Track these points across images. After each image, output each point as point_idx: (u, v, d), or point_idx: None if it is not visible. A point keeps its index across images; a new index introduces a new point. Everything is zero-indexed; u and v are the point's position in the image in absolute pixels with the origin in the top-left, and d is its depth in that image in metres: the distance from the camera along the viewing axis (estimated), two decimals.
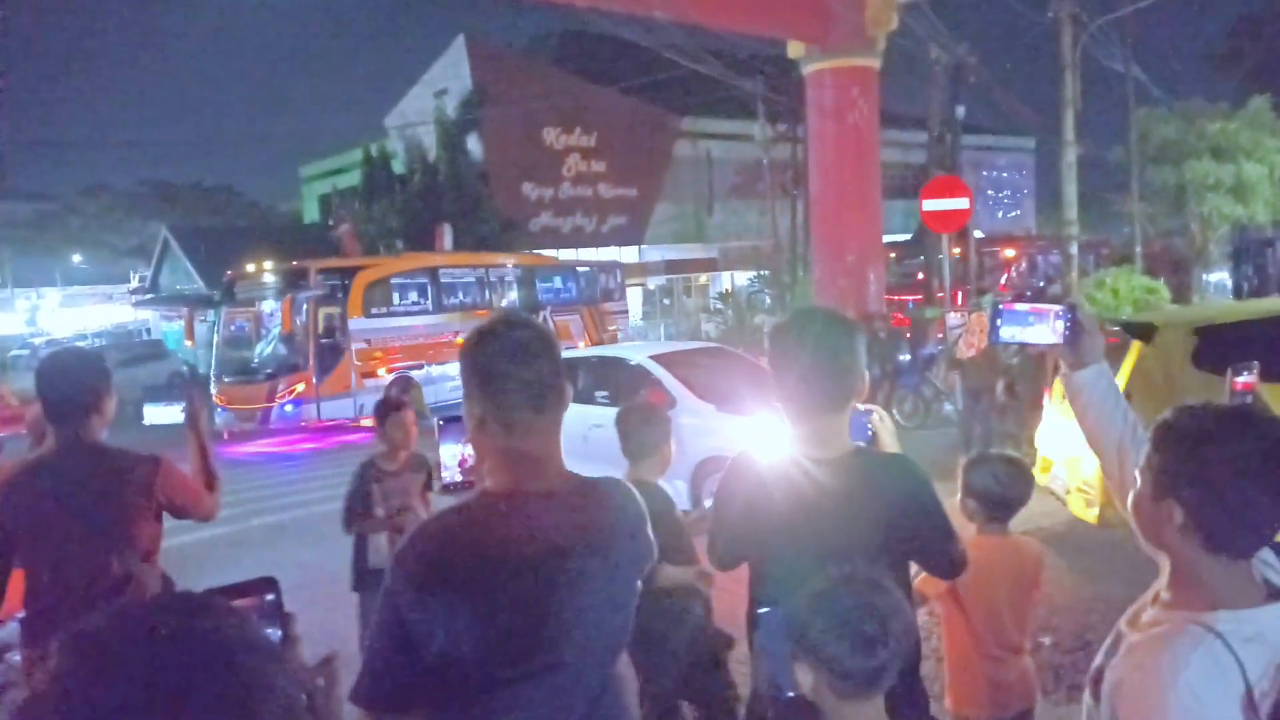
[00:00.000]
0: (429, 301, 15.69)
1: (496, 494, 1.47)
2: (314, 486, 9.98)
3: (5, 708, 4.29)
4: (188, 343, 17.18)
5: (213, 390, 14.17)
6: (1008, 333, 1.68)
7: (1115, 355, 6.33)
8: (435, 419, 1.81)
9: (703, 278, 32.23)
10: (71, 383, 2.50)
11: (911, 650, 1.53)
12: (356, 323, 14.06)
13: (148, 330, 34.20)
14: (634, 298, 31.02)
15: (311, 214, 33.66)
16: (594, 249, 27.22)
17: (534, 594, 1.40)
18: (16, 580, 2.61)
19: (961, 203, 10.72)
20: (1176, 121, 20.18)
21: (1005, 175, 37.96)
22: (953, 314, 11.53)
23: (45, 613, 2.47)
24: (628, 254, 29.35)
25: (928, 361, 11.40)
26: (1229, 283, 21.00)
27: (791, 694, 1.49)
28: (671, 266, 30.51)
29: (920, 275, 16.51)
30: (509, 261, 18.35)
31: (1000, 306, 1.69)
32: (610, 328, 19.03)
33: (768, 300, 21.66)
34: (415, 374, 14.74)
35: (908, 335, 12.12)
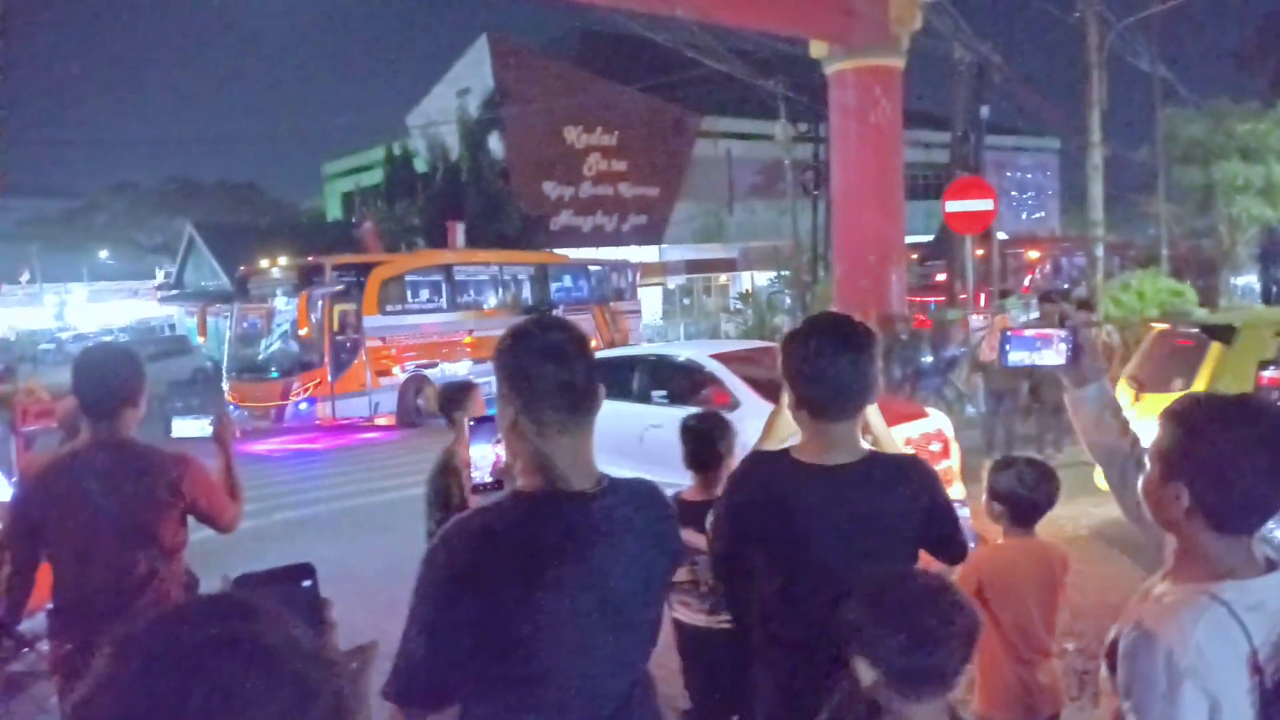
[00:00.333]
0: (443, 299, 15.53)
1: (528, 494, 1.49)
2: (335, 482, 10.07)
3: (33, 698, 4.36)
4: (200, 339, 17.17)
5: (224, 387, 14.08)
6: (1016, 356, 1.79)
7: (1191, 357, 6.36)
8: (465, 419, 1.81)
9: (722, 277, 32.17)
10: (106, 378, 2.53)
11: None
12: (371, 320, 13.86)
13: (171, 326, 34.62)
14: (654, 297, 31.04)
15: (334, 212, 33.92)
16: (614, 248, 27.24)
17: (565, 593, 1.41)
18: (44, 572, 2.64)
19: (986, 204, 10.64)
20: (1204, 121, 19.87)
21: (1029, 176, 37.62)
22: (976, 316, 11.44)
23: (72, 607, 2.50)
24: (648, 253, 29.34)
25: (950, 363, 11.31)
26: (1257, 286, 20.71)
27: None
28: (691, 266, 30.47)
29: (941, 277, 16.40)
30: (522, 259, 18.31)
31: (1008, 333, 1.81)
32: (623, 327, 18.88)
33: (788, 301, 21.57)
34: (429, 372, 14.59)
35: (930, 337, 12.03)
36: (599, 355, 8.76)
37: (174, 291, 30.09)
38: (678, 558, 1.65)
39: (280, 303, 14.12)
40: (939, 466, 6.05)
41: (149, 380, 2.65)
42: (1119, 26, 15.06)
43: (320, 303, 13.27)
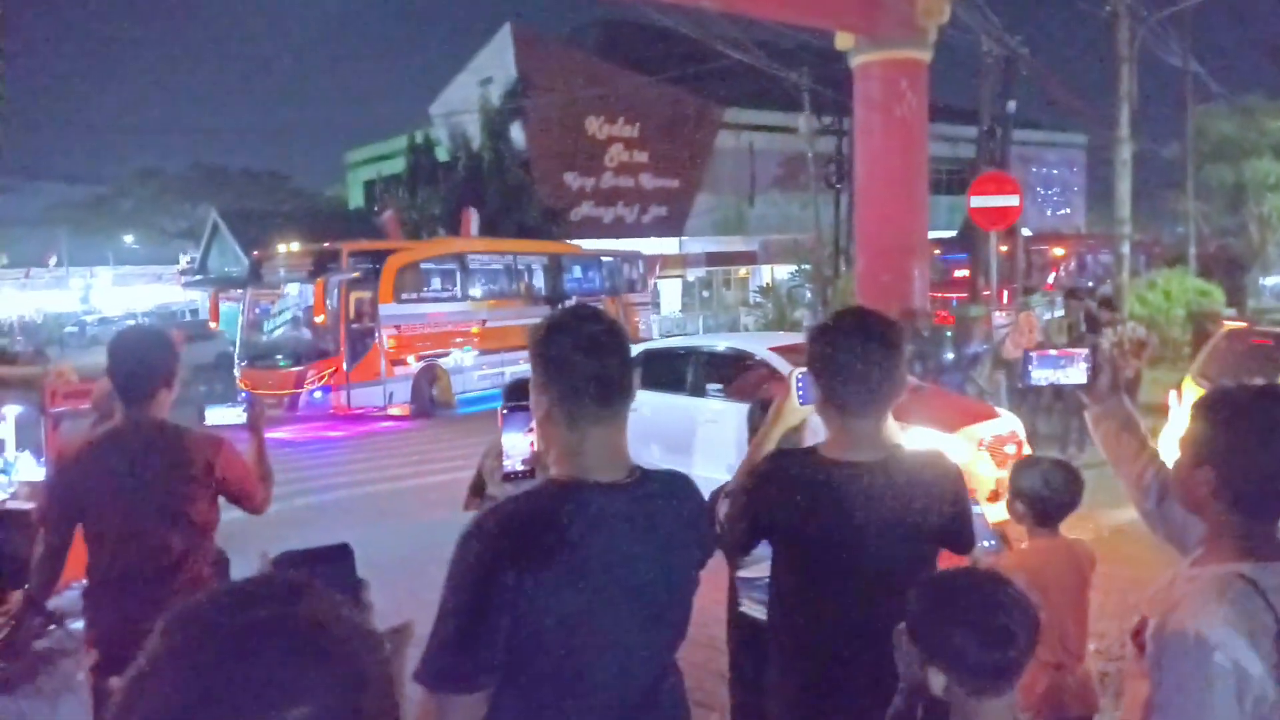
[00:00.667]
0: (457, 288, 15.25)
1: (560, 483, 1.50)
2: (357, 469, 10.15)
3: (60, 674, 4.43)
4: (212, 324, 16.90)
5: (236, 373, 13.77)
6: (1040, 374, 1.86)
7: (1273, 354, 6.38)
8: (500, 408, 1.82)
9: (742, 270, 32.07)
10: (141, 361, 2.57)
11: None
12: (387, 308, 13.50)
13: (194, 311, 34.93)
14: (673, 289, 31.00)
15: (356, 200, 34.11)
16: (634, 239, 27.20)
17: (594, 582, 1.42)
18: (76, 548, 2.68)
19: (1011, 200, 10.50)
20: (1236, 118, 19.58)
21: (1055, 172, 37.19)
22: (999, 313, 11.32)
23: (108, 585, 2.55)
24: (668, 245, 29.29)
25: (972, 360, 11.19)
26: None
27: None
28: (712, 259, 30.38)
29: (960, 273, 16.23)
30: (535, 249, 18.15)
31: (1031, 354, 1.88)
32: (633, 319, 18.47)
33: (808, 295, 21.46)
34: (443, 362, 14.40)
35: (952, 333, 11.92)
36: (653, 347, 8.61)
37: (197, 277, 30.36)
38: (710, 549, 1.65)
39: (295, 289, 13.86)
40: (1008, 472, 5.98)
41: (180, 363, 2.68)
42: (1150, 20, 14.84)
43: (336, 290, 13.00)
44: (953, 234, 21.45)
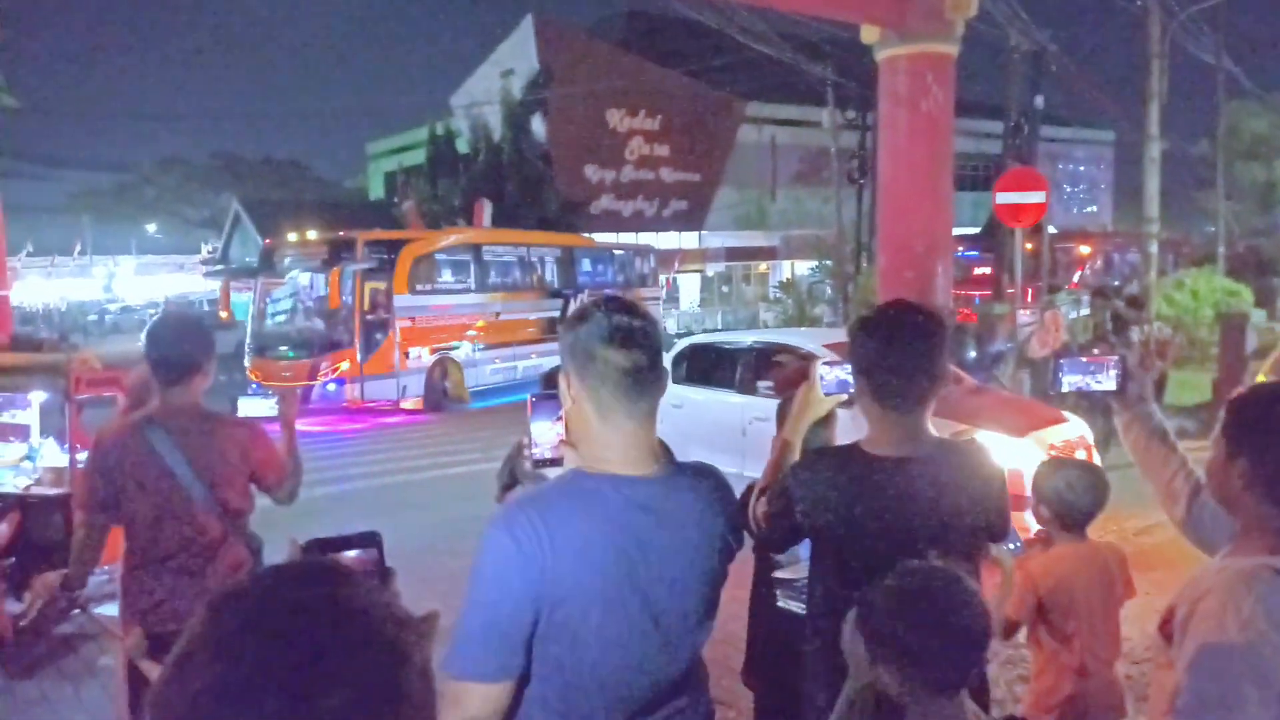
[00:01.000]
0: (471, 279, 14.97)
1: (586, 474, 1.50)
2: (376, 459, 10.20)
3: (83, 659, 4.46)
4: (223, 314, 16.61)
5: (246, 364, 13.42)
6: (1070, 381, 1.88)
7: None
8: (528, 396, 1.80)
9: (762, 265, 31.96)
10: (179, 345, 2.62)
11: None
12: (402, 299, 13.16)
13: (214, 300, 35.23)
14: (692, 284, 30.93)
15: (377, 191, 34.26)
16: (654, 233, 27.15)
17: (617, 575, 1.43)
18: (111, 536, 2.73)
19: (1037, 196, 10.38)
20: (1269, 116, 19.27)
21: (1082, 169, 36.79)
22: (1023, 311, 11.20)
23: (147, 568, 2.58)
24: (688, 239, 29.22)
25: (994, 359, 11.09)
26: None
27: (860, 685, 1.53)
28: (732, 253, 30.30)
29: (983, 269, 16.08)
30: (548, 240, 17.95)
31: (1062, 360, 1.91)
32: None
33: (829, 291, 21.34)
34: (456, 355, 14.17)
35: (974, 331, 11.80)
36: (697, 341, 8.47)
37: (219, 266, 30.58)
38: (739, 543, 1.64)
39: (309, 278, 13.55)
40: None
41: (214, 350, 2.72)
42: (1182, 16, 14.60)
43: (351, 279, 12.67)
44: (977, 230, 21.27)
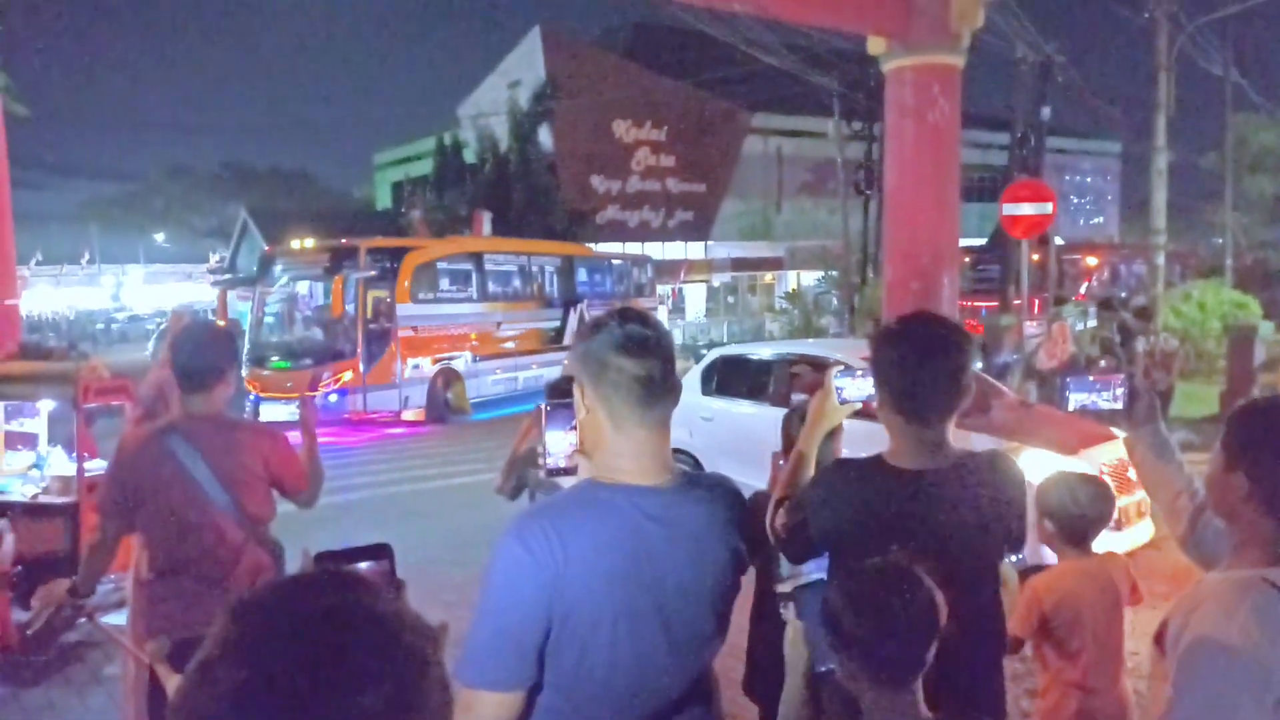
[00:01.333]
0: (473, 289, 14.77)
1: (599, 484, 1.50)
2: (379, 470, 10.19)
3: (88, 667, 4.46)
4: (220, 323, 16.51)
5: (244, 374, 12.86)
6: (1077, 399, 1.88)
7: None
8: (540, 405, 1.79)
9: (768, 276, 31.97)
10: (203, 354, 2.66)
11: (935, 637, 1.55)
12: (405, 308, 12.89)
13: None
14: (698, 294, 30.94)
15: (384, 201, 34.40)
16: (660, 244, 27.19)
17: (628, 585, 1.42)
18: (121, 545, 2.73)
19: (1044, 208, 10.38)
20: (1277, 128, 19.22)
21: (1089, 180, 36.76)
22: (1030, 323, 11.18)
23: (168, 575, 2.58)
24: (694, 250, 29.25)
25: (1001, 370, 11.07)
26: None
27: (824, 668, 1.60)
28: (738, 264, 30.31)
29: (983, 281, 16.06)
30: (548, 250, 17.80)
31: (1069, 379, 1.91)
32: None
33: (835, 301, 21.33)
34: (457, 366, 13.96)
35: (981, 343, 11.78)
36: (728, 353, 8.38)
37: (226, 275, 30.67)
38: (753, 555, 1.63)
39: (311, 287, 13.34)
40: (1132, 499, 5.49)
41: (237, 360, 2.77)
42: (1190, 27, 14.61)
43: (354, 288, 12.37)
44: (983, 242, 21.26)
